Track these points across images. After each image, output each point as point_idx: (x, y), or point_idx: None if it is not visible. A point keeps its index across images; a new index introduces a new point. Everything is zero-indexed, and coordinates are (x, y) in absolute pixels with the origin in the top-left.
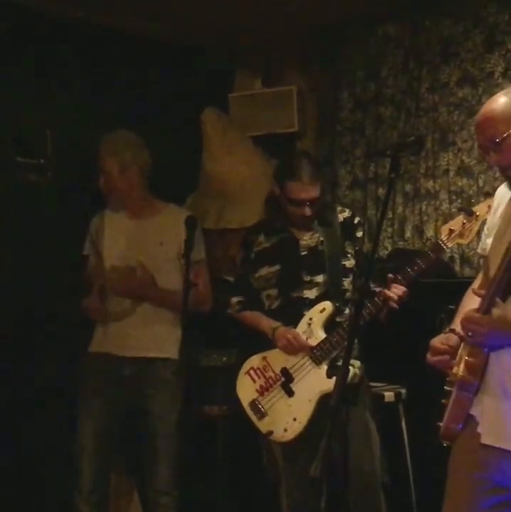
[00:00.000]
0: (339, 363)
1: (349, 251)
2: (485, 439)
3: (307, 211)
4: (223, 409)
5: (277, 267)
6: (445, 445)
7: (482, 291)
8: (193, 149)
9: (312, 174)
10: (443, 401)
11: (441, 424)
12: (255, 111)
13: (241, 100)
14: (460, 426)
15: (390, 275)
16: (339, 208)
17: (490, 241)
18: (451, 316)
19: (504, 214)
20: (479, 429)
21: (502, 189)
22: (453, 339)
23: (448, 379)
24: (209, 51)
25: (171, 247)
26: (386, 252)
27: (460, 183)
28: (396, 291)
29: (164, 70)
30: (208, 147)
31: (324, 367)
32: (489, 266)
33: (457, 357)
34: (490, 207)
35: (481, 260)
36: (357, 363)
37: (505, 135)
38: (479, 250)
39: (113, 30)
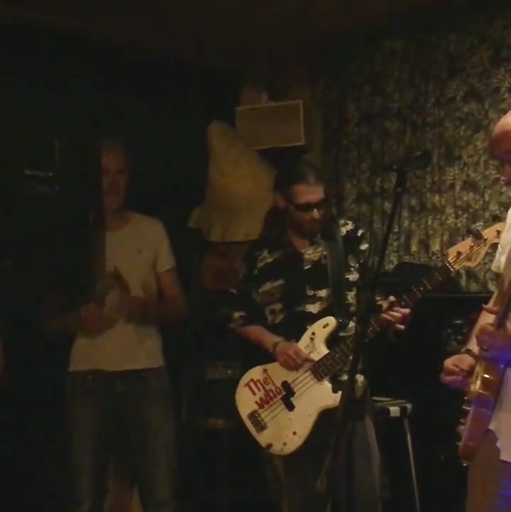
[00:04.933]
0: (343, 378)
1: (353, 264)
2: (504, 456)
3: (316, 214)
4: (227, 422)
5: (280, 282)
6: (465, 465)
7: (495, 308)
8: (200, 162)
9: (316, 175)
10: (460, 420)
11: (460, 443)
12: (262, 124)
13: (248, 114)
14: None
15: (391, 298)
16: (341, 221)
17: (504, 258)
18: (457, 330)
19: None
20: (498, 444)
21: None
22: (467, 360)
23: (465, 398)
24: (216, 65)
25: (148, 256)
26: (392, 266)
27: (465, 198)
28: (395, 314)
29: (171, 83)
30: (215, 160)
31: (326, 382)
32: (503, 283)
33: (474, 374)
34: (498, 232)
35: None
36: (360, 378)
37: None
38: (493, 268)
39: (121, 43)
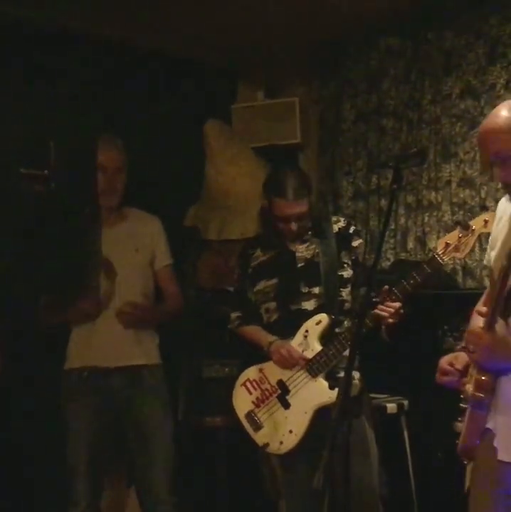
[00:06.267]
0: (340, 375)
1: (346, 261)
2: (502, 456)
3: (294, 226)
4: (225, 420)
5: (274, 281)
6: (465, 463)
7: (484, 309)
8: (196, 160)
9: (297, 190)
10: (458, 419)
11: (458, 441)
12: (258, 122)
13: (244, 112)
14: (478, 442)
15: (386, 287)
16: (333, 219)
17: (493, 253)
18: (453, 327)
19: (508, 227)
20: (495, 443)
21: (504, 202)
22: (462, 359)
23: (462, 396)
24: (212, 63)
25: (145, 253)
26: (389, 264)
27: (462, 195)
28: (388, 309)
29: (167, 81)
30: (211, 159)
31: (321, 379)
32: (494, 278)
33: (468, 375)
34: (486, 221)
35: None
36: (357, 375)
37: None
38: (485, 262)
39: (116, 42)
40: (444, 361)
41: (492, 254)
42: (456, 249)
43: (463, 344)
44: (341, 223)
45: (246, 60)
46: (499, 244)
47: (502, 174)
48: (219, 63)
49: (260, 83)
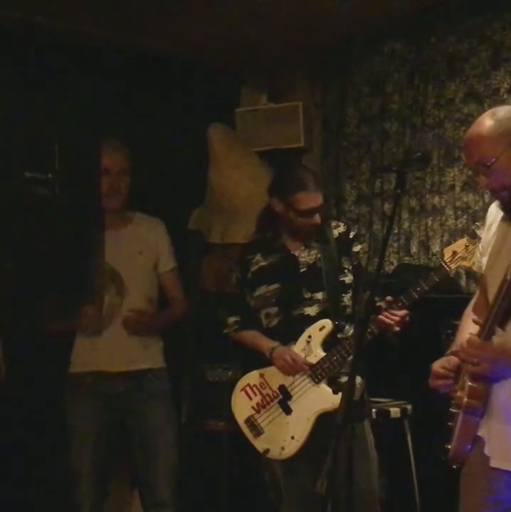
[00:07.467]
0: (342, 380)
1: (347, 267)
2: (494, 463)
3: (318, 219)
4: (227, 424)
5: (276, 286)
6: (454, 467)
7: (480, 320)
8: (199, 164)
9: (315, 182)
10: (449, 423)
11: (450, 446)
12: (261, 126)
13: (247, 116)
14: (469, 447)
15: (389, 298)
16: (333, 223)
17: (485, 260)
18: (456, 331)
19: (497, 233)
20: (486, 451)
21: (495, 207)
22: (453, 362)
23: (452, 401)
24: (216, 67)
25: (149, 256)
26: (392, 268)
27: (465, 199)
28: (394, 317)
29: (170, 85)
30: (214, 162)
31: (323, 385)
32: (485, 285)
33: (460, 381)
34: None
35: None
36: (358, 379)
37: (494, 160)
38: (476, 268)
39: (119, 45)
40: (437, 365)
41: (483, 261)
42: (463, 257)
43: (453, 348)
44: (341, 228)
45: (250, 63)
46: (489, 250)
47: (487, 181)
48: (222, 67)
49: (263, 87)
